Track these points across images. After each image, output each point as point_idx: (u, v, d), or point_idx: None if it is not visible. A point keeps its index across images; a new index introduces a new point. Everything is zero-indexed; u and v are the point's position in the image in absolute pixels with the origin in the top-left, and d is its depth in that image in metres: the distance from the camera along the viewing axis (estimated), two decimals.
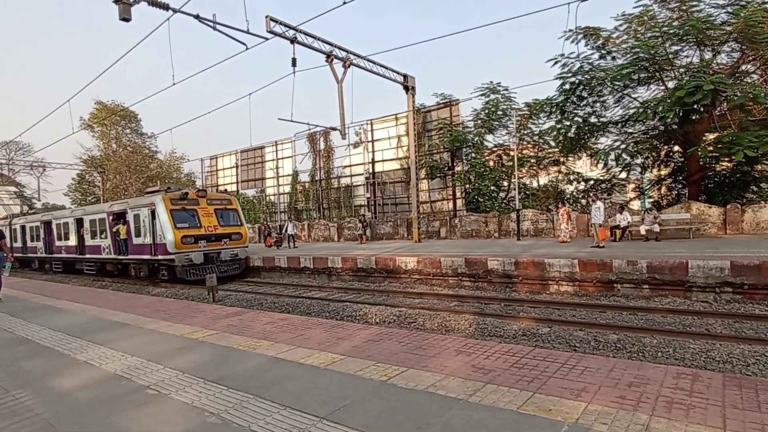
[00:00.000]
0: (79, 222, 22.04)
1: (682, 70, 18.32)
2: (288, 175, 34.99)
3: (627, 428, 2.97)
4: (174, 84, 14.26)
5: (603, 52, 19.71)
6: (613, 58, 19.70)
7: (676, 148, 21.42)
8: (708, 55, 17.67)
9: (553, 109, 21.54)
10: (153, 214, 16.80)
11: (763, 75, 18.49)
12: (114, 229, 18.88)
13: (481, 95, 24.98)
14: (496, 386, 3.82)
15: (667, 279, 10.26)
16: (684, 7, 17.49)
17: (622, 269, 10.83)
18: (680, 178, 22.19)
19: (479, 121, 25.81)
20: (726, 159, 18.35)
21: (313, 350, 5.25)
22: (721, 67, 17.99)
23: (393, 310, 9.91)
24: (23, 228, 28.28)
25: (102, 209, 20.58)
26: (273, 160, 35.63)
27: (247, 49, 13.65)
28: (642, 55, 17.33)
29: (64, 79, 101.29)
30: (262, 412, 3.55)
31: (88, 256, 21.34)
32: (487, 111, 25.12)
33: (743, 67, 18.41)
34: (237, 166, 38.12)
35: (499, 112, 24.87)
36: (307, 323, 6.85)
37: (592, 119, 21.31)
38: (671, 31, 16.89)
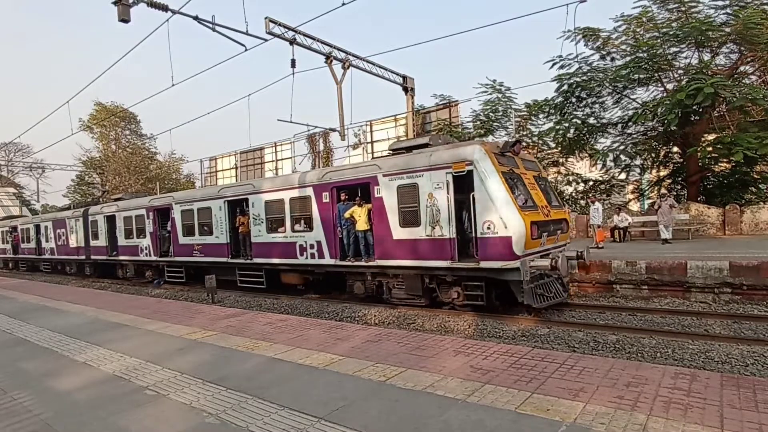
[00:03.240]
0: (236, 206, 13.92)
1: (680, 71, 18.36)
2: None
3: (625, 428, 2.97)
4: (173, 85, 14.27)
5: (602, 53, 19.76)
6: (612, 59, 19.75)
7: (675, 149, 21.47)
8: (707, 57, 17.71)
9: (552, 110, 21.58)
10: (461, 181, 9.08)
11: (761, 76, 18.54)
12: (347, 214, 10.73)
13: (483, 92, 24.98)
14: (495, 386, 3.83)
15: (666, 280, 10.27)
16: (683, 9, 17.53)
17: (621, 270, 10.84)
18: (679, 179, 22.23)
19: (479, 122, 25.84)
20: (725, 160, 18.40)
21: (311, 351, 5.26)
22: (719, 68, 18.03)
23: (392, 311, 9.91)
24: (111, 219, 19.27)
25: (295, 181, 11.98)
26: (272, 161, 35.62)
27: (246, 50, 13.68)
28: (641, 56, 17.38)
29: (64, 80, 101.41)
30: (261, 413, 3.56)
31: (258, 260, 12.98)
32: (486, 112, 25.15)
33: (741, 68, 18.46)
34: (236, 168, 38.12)
35: (499, 113, 24.89)
36: (305, 324, 6.86)
37: (591, 120, 21.36)
38: (671, 32, 16.94)
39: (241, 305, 11.91)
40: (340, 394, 3.86)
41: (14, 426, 3.62)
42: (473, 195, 8.75)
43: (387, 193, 10.00)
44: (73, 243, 22.15)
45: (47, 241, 24.86)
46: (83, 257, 21.39)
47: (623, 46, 19.09)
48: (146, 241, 17.18)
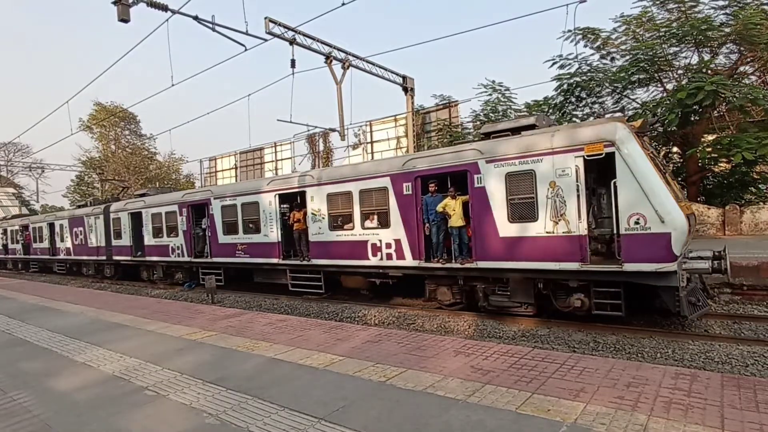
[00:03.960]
0: (290, 200, 12.68)
1: (680, 71, 18.38)
2: None
3: (625, 428, 2.97)
4: (173, 85, 14.29)
5: (603, 52, 19.79)
6: (612, 59, 19.77)
7: (675, 149, 21.48)
8: (707, 57, 17.74)
9: (552, 110, 21.59)
10: (593, 167, 7.91)
11: (761, 76, 18.56)
12: (439, 208, 9.19)
13: (483, 93, 25.01)
14: (495, 387, 3.83)
15: None
16: (683, 8, 17.55)
17: None
18: (679, 179, 22.23)
19: (478, 122, 25.84)
20: (725, 160, 18.41)
21: (312, 351, 5.25)
22: (719, 68, 18.05)
23: (392, 311, 9.91)
24: (136, 216, 17.39)
25: (367, 171, 10.60)
26: (272, 161, 35.61)
27: (246, 50, 13.69)
28: (641, 56, 17.40)
29: (63, 80, 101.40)
30: (261, 413, 3.55)
31: (317, 261, 11.44)
32: (486, 112, 25.17)
33: (741, 69, 18.48)
34: (236, 168, 38.12)
35: (499, 113, 24.91)
36: (306, 324, 6.86)
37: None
38: (670, 32, 16.96)
39: (241, 305, 11.91)
40: (340, 394, 3.85)
41: (14, 426, 3.61)
42: (614, 183, 7.32)
43: (491, 182, 8.50)
44: (92, 242, 20.28)
45: (62, 240, 22.93)
46: (103, 258, 19.57)
47: (623, 47, 19.12)
48: (178, 240, 15.43)
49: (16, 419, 3.75)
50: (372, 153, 29.95)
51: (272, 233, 12.33)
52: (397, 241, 9.90)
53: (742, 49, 17.34)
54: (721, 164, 19.57)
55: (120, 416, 3.68)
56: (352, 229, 10.65)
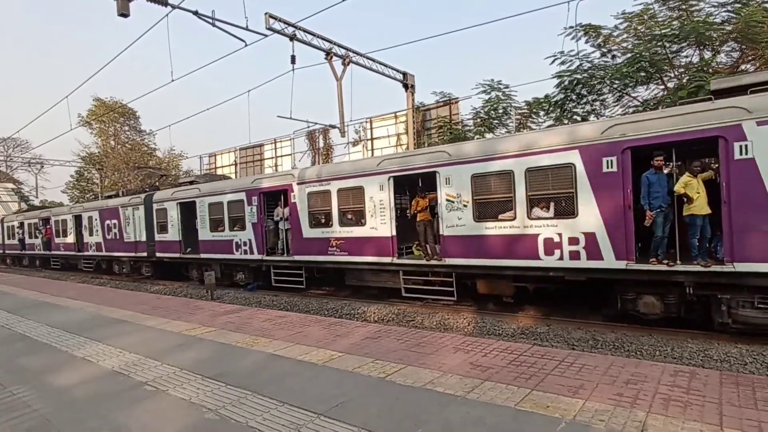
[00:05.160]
0: (409, 184, 10.78)
1: (681, 69, 18.35)
2: None
3: (624, 425, 2.98)
4: (173, 80, 14.23)
5: (603, 50, 19.74)
6: (613, 57, 19.72)
7: None
8: (708, 55, 17.70)
9: (553, 107, 21.56)
10: None
11: None
12: (679, 188, 6.85)
13: (482, 92, 24.97)
14: (494, 383, 3.84)
15: None
16: (684, 6, 17.51)
17: None
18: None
19: (479, 120, 25.80)
20: None
21: (311, 347, 5.26)
22: (720, 66, 18.01)
23: (392, 308, 9.92)
24: (187, 207, 15.21)
25: (539, 143, 8.21)
26: (272, 157, 35.54)
27: (246, 45, 13.64)
28: (642, 54, 17.37)
29: (63, 75, 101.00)
30: (261, 409, 3.56)
31: (451, 261, 9.23)
32: (487, 109, 25.13)
33: (742, 67, 18.44)
34: (236, 164, 38.08)
35: (500, 111, 24.88)
36: (305, 321, 6.87)
37: (592, 118, 21.34)
38: (671, 33, 16.94)
39: (240, 302, 11.91)
40: (339, 390, 3.86)
41: (13, 421, 3.62)
42: None
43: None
44: (129, 237, 17.83)
45: (91, 234, 20.29)
46: (143, 254, 17.10)
47: (624, 44, 19.08)
48: (246, 235, 13.12)
49: (15, 414, 3.76)
50: (372, 150, 29.91)
51: (383, 226, 10.10)
52: (589, 236, 7.58)
53: (743, 47, 17.31)
54: None
55: (120, 411, 3.69)
56: (512, 219, 8.40)
